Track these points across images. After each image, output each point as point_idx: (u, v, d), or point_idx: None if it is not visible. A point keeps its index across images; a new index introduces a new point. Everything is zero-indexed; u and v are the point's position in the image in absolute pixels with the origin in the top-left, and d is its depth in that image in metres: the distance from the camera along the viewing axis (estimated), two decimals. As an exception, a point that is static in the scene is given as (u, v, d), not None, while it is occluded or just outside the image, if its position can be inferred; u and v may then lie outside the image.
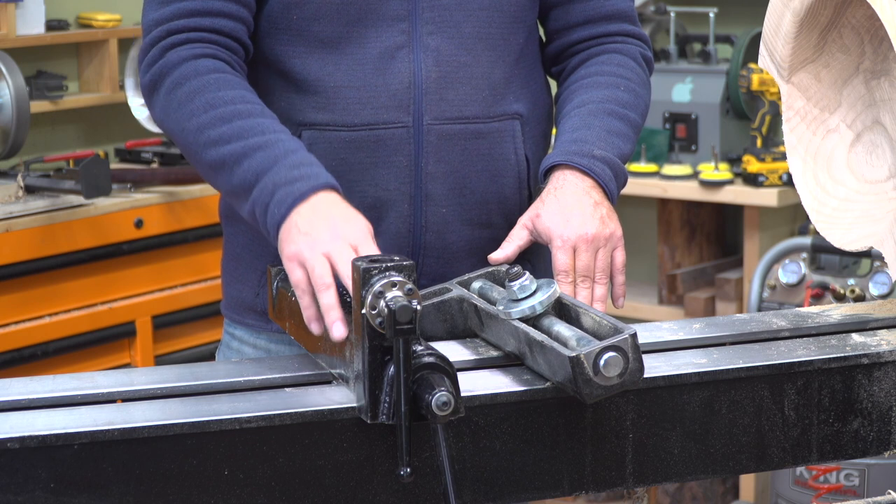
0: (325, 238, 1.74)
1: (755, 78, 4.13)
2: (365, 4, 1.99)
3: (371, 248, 1.73)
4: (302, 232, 1.76)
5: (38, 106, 4.32)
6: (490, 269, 1.91)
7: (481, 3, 2.04)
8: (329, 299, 1.69)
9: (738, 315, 1.95)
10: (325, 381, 1.70)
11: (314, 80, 2.01)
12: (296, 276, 1.74)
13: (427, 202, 2.03)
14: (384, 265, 1.57)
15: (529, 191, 2.11)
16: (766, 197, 4.10)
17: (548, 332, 1.67)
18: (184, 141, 1.92)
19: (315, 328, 1.71)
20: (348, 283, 1.66)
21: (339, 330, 1.66)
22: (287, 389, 1.67)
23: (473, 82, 2.04)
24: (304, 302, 1.73)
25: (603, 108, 2.07)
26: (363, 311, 1.55)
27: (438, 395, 1.52)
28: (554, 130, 2.14)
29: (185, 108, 1.91)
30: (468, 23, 2.03)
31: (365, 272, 1.56)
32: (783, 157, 3.55)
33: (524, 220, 1.99)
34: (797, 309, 1.94)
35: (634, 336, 1.58)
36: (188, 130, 1.91)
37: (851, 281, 3.86)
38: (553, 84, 2.23)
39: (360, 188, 2.02)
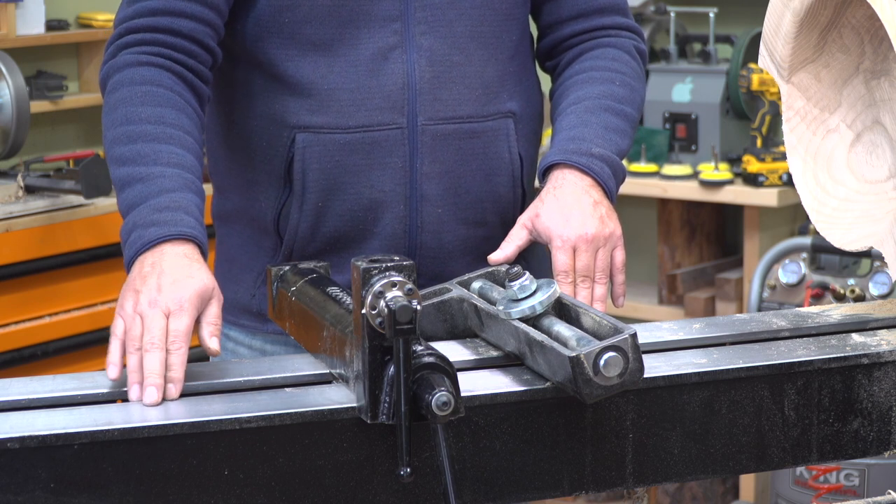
0: (144, 301, 1.70)
1: (755, 78, 4.13)
2: (356, 5, 1.99)
3: (182, 319, 1.68)
4: (133, 289, 1.72)
5: (38, 106, 4.32)
6: (490, 269, 1.91)
7: (473, 2, 2.03)
8: (132, 364, 1.66)
9: (738, 315, 1.95)
10: (325, 381, 1.70)
11: (308, 83, 2.01)
12: (116, 325, 1.71)
13: (422, 203, 2.03)
14: (384, 265, 1.57)
15: (523, 189, 2.11)
16: (766, 197, 4.10)
17: (548, 332, 1.67)
18: (104, 149, 1.91)
19: (110, 371, 1.67)
20: (148, 372, 1.64)
21: (134, 393, 1.63)
22: (287, 389, 1.67)
23: (467, 81, 2.04)
24: (112, 347, 1.70)
25: (599, 104, 2.06)
26: (363, 311, 1.55)
27: (438, 395, 1.52)
28: (548, 130, 2.14)
29: (110, 116, 1.90)
30: (460, 22, 2.03)
31: (365, 272, 1.56)
32: (783, 157, 3.55)
33: (523, 220, 1.99)
34: (797, 309, 1.94)
35: (634, 336, 1.58)
36: (106, 140, 1.89)
37: (851, 281, 3.86)
38: (545, 79, 2.22)
39: (356, 190, 2.02)
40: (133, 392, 1.64)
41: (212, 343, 1.71)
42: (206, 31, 1.96)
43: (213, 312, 1.73)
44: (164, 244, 1.75)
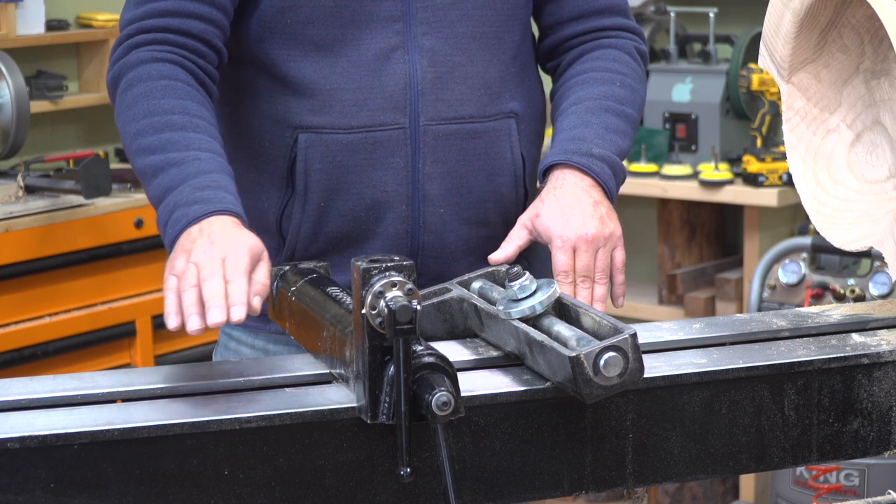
0: (198, 252, 1.69)
1: (755, 78, 4.13)
2: (359, 6, 1.99)
3: (239, 259, 1.67)
4: (183, 249, 1.72)
5: (38, 106, 4.32)
6: (490, 269, 1.91)
7: (475, 3, 2.04)
8: (189, 298, 1.65)
9: (738, 315, 1.95)
10: (325, 381, 1.70)
11: (310, 83, 2.01)
12: (168, 281, 1.69)
13: (425, 203, 2.03)
14: (384, 265, 1.57)
15: (525, 189, 2.11)
16: (766, 197, 4.10)
17: (548, 332, 1.67)
18: (124, 144, 1.92)
19: (171, 321, 1.65)
20: (209, 297, 1.63)
21: (193, 324, 1.62)
22: (287, 389, 1.67)
23: (469, 82, 2.04)
24: (168, 299, 1.67)
25: (600, 104, 2.07)
26: (363, 311, 1.55)
27: (438, 395, 1.52)
28: (549, 130, 2.14)
29: (130, 111, 1.90)
30: (462, 22, 2.03)
31: (365, 272, 1.56)
32: (783, 157, 3.55)
33: (524, 220, 1.99)
34: (797, 309, 1.94)
35: (634, 336, 1.58)
36: (127, 134, 1.90)
37: (851, 281, 3.86)
38: (547, 80, 2.23)
39: (358, 190, 2.02)
40: (192, 322, 1.62)
41: (255, 301, 1.67)
42: (215, 32, 1.97)
43: (263, 272, 1.70)
44: (210, 216, 1.75)
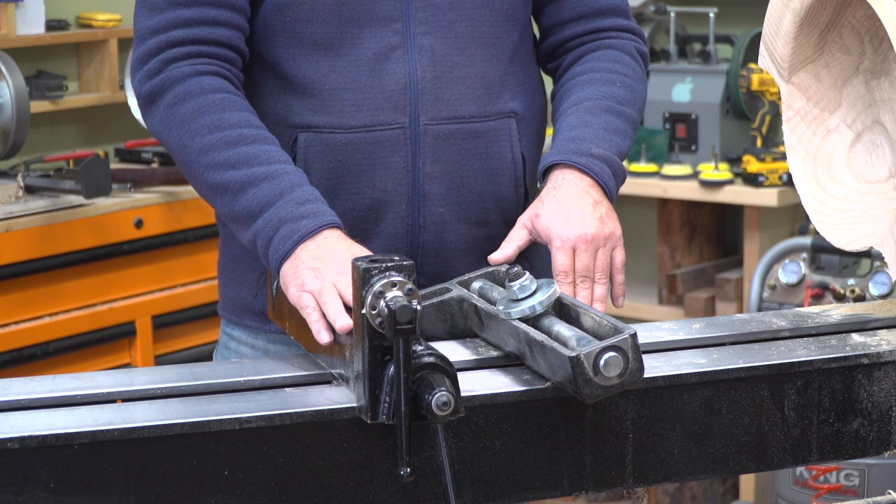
0: (332, 273, 1.76)
1: (755, 78, 4.13)
2: (358, 5, 1.99)
3: None
4: (309, 268, 1.78)
5: (38, 106, 4.31)
6: (490, 269, 1.91)
7: (474, 2, 2.04)
8: (334, 309, 1.71)
9: (738, 315, 1.95)
10: (325, 381, 1.70)
11: (310, 83, 2.01)
12: (304, 300, 1.75)
13: (424, 202, 2.03)
14: (384, 265, 1.57)
15: (526, 189, 2.11)
16: (766, 197, 4.10)
17: (548, 332, 1.67)
18: (184, 158, 1.92)
19: (324, 337, 1.71)
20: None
21: (343, 321, 1.68)
22: (287, 389, 1.67)
23: (468, 81, 2.04)
24: (313, 318, 1.73)
25: (600, 105, 2.07)
26: (363, 311, 1.55)
27: (438, 395, 1.52)
28: (550, 129, 2.15)
29: (189, 125, 1.91)
30: (461, 22, 2.04)
31: (365, 272, 1.56)
32: (783, 157, 3.55)
33: (523, 220, 1.99)
34: (797, 309, 1.94)
35: (634, 336, 1.58)
36: (191, 149, 1.91)
37: (851, 281, 3.86)
38: (548, 81, 2.23)
39: (358, 189, 2.02)
40: (341, 321, 1.69)
41: None
42: (239, 37, 2.00)
43: None
44: (322, 231, 1.83)
